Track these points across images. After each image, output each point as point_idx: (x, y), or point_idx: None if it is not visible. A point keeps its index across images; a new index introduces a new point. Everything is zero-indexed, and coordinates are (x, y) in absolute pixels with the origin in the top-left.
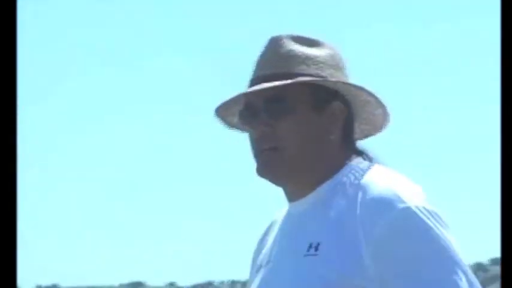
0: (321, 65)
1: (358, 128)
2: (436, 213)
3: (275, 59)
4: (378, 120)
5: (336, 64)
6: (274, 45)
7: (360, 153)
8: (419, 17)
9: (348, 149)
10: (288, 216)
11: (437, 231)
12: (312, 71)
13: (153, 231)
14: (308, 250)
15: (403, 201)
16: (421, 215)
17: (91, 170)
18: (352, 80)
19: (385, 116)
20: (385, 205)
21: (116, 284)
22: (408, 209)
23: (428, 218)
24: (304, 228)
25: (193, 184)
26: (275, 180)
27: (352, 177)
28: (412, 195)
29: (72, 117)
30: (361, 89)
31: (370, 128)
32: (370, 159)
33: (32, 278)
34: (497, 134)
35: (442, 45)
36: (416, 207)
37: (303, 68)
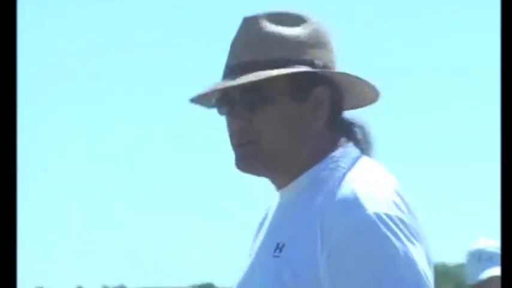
0: (302, 47)
1: (350, 100)
2: (400, 221)
3: (250, 44)
4: (369, 95)
5: (318, 42)
6: (249, 27)
7: (350, 134)
8: (416, 14)
9: (334, 132)
10: (277, 205)
11: (393, 243)
12: (292, 56)
13: (222, 232)
14: (274, 251)
15: (362, 207)
16: (379, 223)
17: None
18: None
19: (375, 91)
20: (345, 210)
21: (186, 285)
22: (365, 217)
23: (388, 227)
24: (279, 225)
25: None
26: (254, 174)
27: (329, 172)
28: (377, 199)
29: (75, 117)
30: (345, 74)
31: (362, 102)
32: (359, 144)
33: (98, 279)
34: (497, 134)
35: (440, 42)
36: (376, 214)
37: (281, 54)
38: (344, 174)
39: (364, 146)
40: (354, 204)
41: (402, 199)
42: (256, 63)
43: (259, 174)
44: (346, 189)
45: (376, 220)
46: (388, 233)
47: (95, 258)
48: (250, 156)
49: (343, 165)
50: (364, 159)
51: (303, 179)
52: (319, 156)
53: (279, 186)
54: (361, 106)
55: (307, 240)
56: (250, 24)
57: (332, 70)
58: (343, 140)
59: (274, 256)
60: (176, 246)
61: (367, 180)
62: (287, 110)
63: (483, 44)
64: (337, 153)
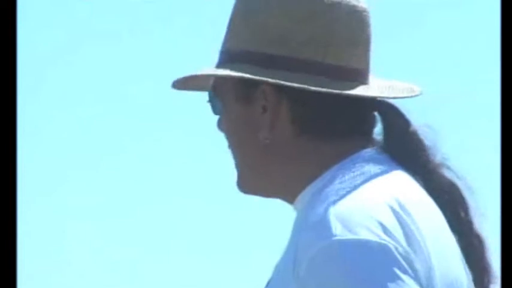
0: (250, 34)
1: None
2: (380, 249)
3: (226, 28)
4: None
5: (300, 20)
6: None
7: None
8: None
9: (329, 140)
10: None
11: (355, 275)
12: (237, 46)
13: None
14: (271, 277)
15: (331, 234)
16: (340, 252)
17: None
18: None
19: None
20: (313, 236)
21: None
22: (333, 243)
23: (351, 257)
24: (284, 247)
25: None
26: (252, 195)
27: (324, 186)
28: (351, 221)
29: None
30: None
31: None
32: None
33: None
34: (497, 135)
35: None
36: (351, 241)
37: (231, 42)
38: (333, 189)
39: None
40: (321, 228)
41: (402, 221)
42: (224, 53)
43: (257, 195)
44: (322, 206)
45: (343, 250)
46: (350, 264)
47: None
48: (237, 178)
49: (346, 177)
50: (377, 172)
51: (304, 195)
52: (315, 172)
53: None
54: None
55: (284, 265)
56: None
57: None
58: (353, 146)
59: (268, 284)
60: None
61: (350, 196)
62: (234, 115)
63: (483, 44)
64: (345, 163)
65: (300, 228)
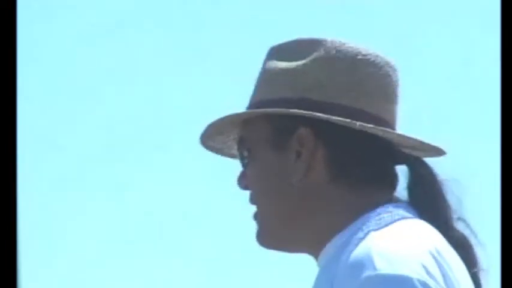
0: (295, 83)
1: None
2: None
3: (256, 82)
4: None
5: (329, 74)
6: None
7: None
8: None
9: (363, 189)
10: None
11: None
12: (274, 94)
13: None
14: None
15: (374, 268)
16: (394, 286)
17: None
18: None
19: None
20: (353, 270)
21: None
22: (375, 277)
23: None
24: None
25: None
26: (274, 250)
27: (352, 235)
28: (394, 261)
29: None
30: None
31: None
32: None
33: None
34: (497, 135)
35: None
36: (389, 275)
37: (267, 91)
38: (367, 233)
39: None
40: (366, 265)
41: (440, 265)
42: (251, 105)
43: (278, 250)
44: (361, 249)
45: (392, 283)
46: None
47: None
48: (257, 230)
49: (373, 226)
50: (405, 221)
51: (327, 250)
52: (348, 218)
53: (314, 256)
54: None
55: None
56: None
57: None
58: (383, 196)
59: None
60: None
61: (390, 240)
62: (267, 163)
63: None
64: (370, 215)
65: (328, 275)
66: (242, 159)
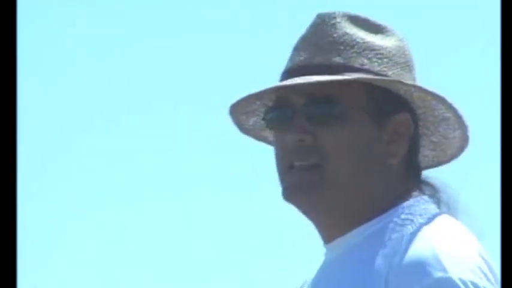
0: (386, 60)
1: (421, 153)
2: None
3: (325, 44)
4: (450, 145)
5: (405, 62)
6: (325, 25)
7: (423, 186)
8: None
9: (410, 181)
10: (322, 265)
11: None
12: (375, 67)
13: None
14: None
15: (444, 269)
16: None
17: None
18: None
19: (462, 140)
20: (422, 270)
21: None
22: (448, 280)
23: None
24: (329, 285)
25: None
26: (307, 208)
27: (400, 224)
28: (461, 263)
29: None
30: (442, 100)
31: (438, 155)
32: (435, 198)
33: None
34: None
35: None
36: (461, 279)
37: (362, 62)
38: (419, 229)
39: (444, 209)
40: (434, 265)
41: (489, 266)
42: (330, 67)
43: (311, 209)
44: (423, 246)
45: (461, 286)
46: None
47: None
48: (311, 184)
49: (420, 219)
50: (445, 217)
51: (367, 228)
52: (392, 200)
53: (327, 232)
54: (438, 161)
55: None
56: (326, 22)
57: (426, 91)
58: (415, 190)
59: None
60: None
61: (449, 239)
62: (365, 133)
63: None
64: (411, 203)
65: (366, 263)
66: (321, 117)
